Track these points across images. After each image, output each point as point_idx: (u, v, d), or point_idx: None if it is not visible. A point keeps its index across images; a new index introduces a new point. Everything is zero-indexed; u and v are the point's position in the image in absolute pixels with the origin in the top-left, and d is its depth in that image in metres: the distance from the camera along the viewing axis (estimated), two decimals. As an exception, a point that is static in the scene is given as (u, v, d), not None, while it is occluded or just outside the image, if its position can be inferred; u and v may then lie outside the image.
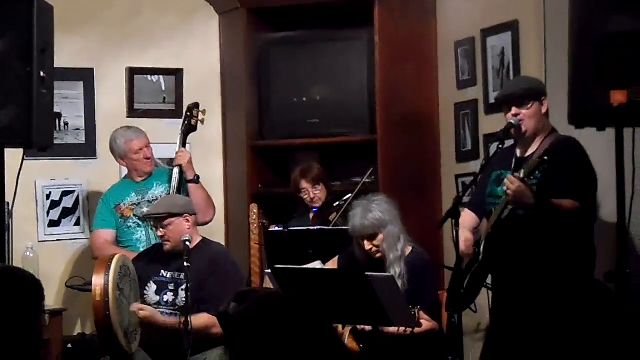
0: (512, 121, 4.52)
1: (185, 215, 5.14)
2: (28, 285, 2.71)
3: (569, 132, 4.44)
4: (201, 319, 4.90)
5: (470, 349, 5.16)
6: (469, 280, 4.48)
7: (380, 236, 4.81)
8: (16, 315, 2.63)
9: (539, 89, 4.60)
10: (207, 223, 5.80)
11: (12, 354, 2.62)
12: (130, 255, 5.30)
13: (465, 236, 4.58)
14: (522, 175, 4.24)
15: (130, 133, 5.89)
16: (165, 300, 5.11)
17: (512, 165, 4.58)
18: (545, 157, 4.22)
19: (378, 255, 4.83)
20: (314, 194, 5.78)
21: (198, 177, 5.76)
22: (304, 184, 5.79)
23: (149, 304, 5.09)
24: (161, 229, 5.11)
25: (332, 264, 5.09)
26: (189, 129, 5.88)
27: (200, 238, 5.26)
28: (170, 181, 5.79)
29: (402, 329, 4.51)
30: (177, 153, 5.81)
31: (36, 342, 2.70)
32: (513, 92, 4.60)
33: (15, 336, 2.62)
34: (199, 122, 5.89)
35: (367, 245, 4.82)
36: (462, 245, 4.47)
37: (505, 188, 4.29)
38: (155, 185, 5.89)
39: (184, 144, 5.86)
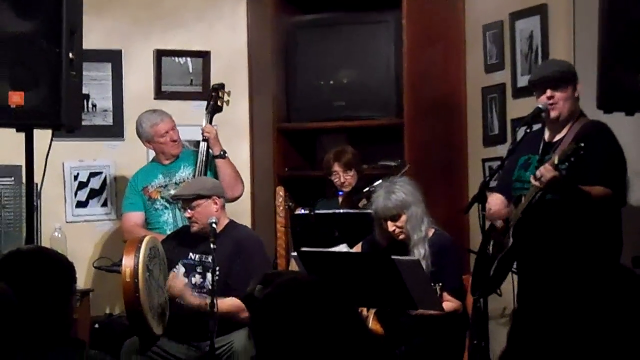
0: (541, 105, 4.47)
1: (214, 197, 5.15)
2: (61, 266, 2.75)
3: (597, 116, 4.41)
4: (228, 303, 4.92)
5: (496, 333, 5.16)
6: (497, 264, 4.46)
7: (404, 217, 4.81)
8: (48, 295, 2.66)
9: (573, 72, 4.54)
10: (236, 199, 5.81)
11: (43, 333, 2.65)
12: (159, 238, 5.33)
13: (495, 198, 4.52)
14: (555, 161, 4.19)
15: (156, 116, 5.90)
16: (193, 282, 5.13)
17: (540, 150, 4.55)
18: (582, 144, 4.15)
19: (401, 236, 4.83)
20: (344, 178, 5.78)
21: (225, 152, 5.76)
22: (336, 167, 5.80)
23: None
24: (189, 210, 5.12)
25: (357, 249, 5.10)
26: (214, 109, 5.88)
27: (228, 220, 5.27)
28: (197, 156, 5.80)
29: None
30: (203, 129, 5.81)
31: (67, 323, 2.73)
32: (549, 74, 4.52)
33: (47, 316, 2.65)
34: (224, 103, 5.90)
35: (391, 227, 4.82)
36: (493, 207, 4.41)
37: (539, 175, 4.24)
38: (182, 167, 5.91)
39: (210, 123, 5.86)
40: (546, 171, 4.21)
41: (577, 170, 4.29)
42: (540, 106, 4.48)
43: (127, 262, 4.83)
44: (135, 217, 5.89)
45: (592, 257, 4.27)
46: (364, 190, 5.53)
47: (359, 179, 5.80)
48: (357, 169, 5.83)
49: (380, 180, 5.20)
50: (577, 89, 4.48)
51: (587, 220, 4.34)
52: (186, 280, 5.11)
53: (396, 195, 4.81)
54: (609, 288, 1.64)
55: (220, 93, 5.89)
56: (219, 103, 5.88)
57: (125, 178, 6.20)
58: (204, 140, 5.77)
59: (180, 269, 5.16)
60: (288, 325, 1.99)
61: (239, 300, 4.87)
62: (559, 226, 4.39)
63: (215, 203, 5.15)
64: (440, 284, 4.61)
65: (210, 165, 5.77)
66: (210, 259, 4.96)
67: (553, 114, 4.46)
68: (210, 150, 5.76)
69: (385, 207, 4.82)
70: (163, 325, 5.00)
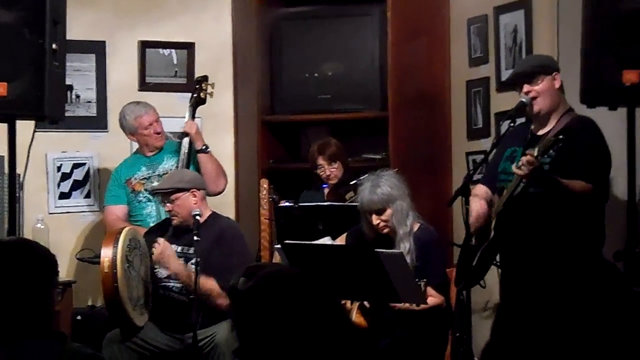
0: (524, 99, 4.50)
1: (192, 190, 5.14)
2: (42, 258, 2.73)
3: (580, 111, 4.43)
4: (209, 283, 4.93)
5: (478, 326, 5.17)
6: (480, 256, 4.48)
7: (389, 211, 4.81)
8: (30, 287, 2.65)
9: (548, 65, 4.57)
10: (219, 193, 5.81)
11: (24, 326, 2.64)
12: (140, 230, 5.32)
13: (477, 209, 4.55)
14: (535, 154, 4.22)
15: (140, 108, 5.89)
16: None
17: (526, 143, 4.56)
18: (561, 136, 4.19)
19: (386, 230, 4.83)
20: (330, 171, 5.78)
21: (207, 146, 5.75)
22: (321, 161, 5.79)
23: (159, 278, 5.12)
24: (168, 204, 5.12)
25: (341, 241, 5.10)
26: (197, 101, 5.87)
27: (210, 212, 5.27)
28: (180, 151, 5.79)
29: (408, 304, 4.53)
30: (185, 124, 5.80)
31: (48, 315, 2.72)
32: (521, 70, 4.58)
33: (28, 309, 2.64)
34: (207, 95, 5.89)
35: (375, 220, 4.82)
36: (472, 219, 4.44)
37: (520, 164, 4.26)
38: (165, 159, 5.90)
39: (192, 117, 5.85)
40: (527, 160, 4.22)
41: (561, 163, 4.31)
42: (523, 100, 4.51)
43: (105, 253, 4.83)
44: (117, 210, 5.88)
45: (574, 250, 4.28)
46: (351, 183, 5.54)
47: (345, 171, 5.80)
48: (342, 160, 5.82)
49: (367, 174, 5.21)
50: (557, 80, 4.50)
51: (569, 214, 4.36)
52: (174, 247, 5.10)
53: (382, 189, 4.81)
54: (590, 282, 1.65)
55: (203, 85, 5.88)
56: (202, 95, 5.87)
57: (109, 169, 6.18)
58: (186, 135, 5.77)
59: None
60: (271, 318, 1.99)
61: (217, 284, 4.88)
62: (541, 219, 4.40)
63: (194, 195, 5.14)
64: (425, 280, 4.62)
65: (193, 160, 5.76)
66: (192, 250, 4.97)
67: (535, 108, 4.49)
68: (192, 145, 5.75)
69: (370, 201, 4.82)
70: (145, 316, 5.00)
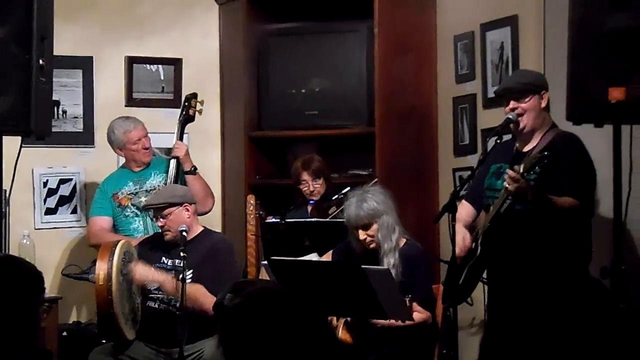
0: (511, 116, 4.52)
1: (185, 204, 5.14)
2: (29, 275, 2.72)
3: (566, 128, 4.44)
4: (195, 288, 4.91)
5: (465, 343, 5.17)
6: (467, 273, 4.49)
7: (375, 226, 4.82)
8: (15, 305, 2.64)
9: (538, 83, 4.58)
10: (206, 213, 5.81)
11: (10, 343, 2.62)
12: (131, 242, 5.31)
13: (462, 236, 4.57)
14: (521, 170, 4.23)
15: (128, 123, 5.89)
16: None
17: (511, 160, 4.57)
18: (546, 153, 4.21)
19: (372, 245, 4.84)
20: (313, 187, 5.78)
21: (195, 168, 5.76)
22: (305, 176, 5.79)
23: (150, 290, 5.10)
24: (161, 219, 5.11)
25: (327, 258, 5.10)
26: (186, 119, 5.88)
27: (202, 228, 5.26)
28: (168, 171, 5.79)
29: (392, 321, 4.53)
30: (174, 145, 5.80)
31: (34, 333, 2.71)
32: (511, 85, 4.60)
33: (14, 326, 2.63)
34: (196, 113, 5.89)
35: (362, 235, 4.83)
36: (458, 247, 4.46)
37: (505, 183, 4.28)
38: (153, 175, 5.90)
39: (181, 134, 5.86)
40: (510, 178, 4.23)
41: (547, 179, 4.32)
42: (510, 117, 4.52)
43: (101, 266, 4.83)
44: (102, 222, 5.86)
45: (560, 267, 4.29)
46: (333, 198, 5.54)
47: (328, 187, 5.80)
48: (326, 176, 5.82)
49: (348, 188, 5.21)
50: (545, 99, 4.52)
51: (555, 231, 4.37)
52: (149, 266, 5.08)
53: (368, 204, 4.82)
54: (577, 299, 1.65)
55: (192, 102, 5.88)
56: (190, 112, 5.87)
57: (96, 185, 6.17)
58: (174, 157, 5.76)
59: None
60: (256, 336, 1.99)
61: (207, 292, 4.86)
62: (527, 236, 4.41)
63: (187, 210, 5.14)
64: (410, 296, 4.62)
65: (181, 180, 5.75)
66: (182, 263, 4.96)
67: (520, 125, 4.51)
68: (180, 166, 5.75)
69: (357, 216, 4.82)
70: (135, 330, 4.99)
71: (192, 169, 5.75)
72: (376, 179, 5.60)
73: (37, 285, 2.73)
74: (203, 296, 4.89)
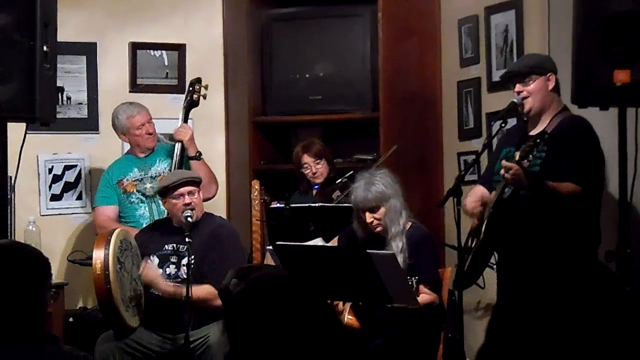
0: (515, 100, 4.50)
1: (199, 188, 5.19)
2: (36, 262, 2.72)
3: (572, 111, 4.43)
4: (203, 290, 4.91)
5: (470, 327, 5.18)
6: (472, 258, 4.48)
7: (382, 209, 4.81)
8: (23, 291, 2.64)
9: (542, 65, 4.55)
10: (209, 199, 5.81)
11: (16, 329, 2.63)
12: (133, 232, 5.31)
13: (473, 195, 4.55)
14: (517, 158, 4.23)
15: (132, 109, 5.89)
16: (167, 273, 5.11)
17: (517, 143, 4.56)
18: (538, 140, 4.19)
19: (379, 229, 4.83)
20: (315, 168, 5.78)
21: (200, 153, 5.76)
22: (306, 159, 5.80)
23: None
24: (188, 196, 5.08)
25: (334, 243, 5.09)
26: (190, 104, 5.88)
27: (204, 212, 5.26)
28: (172, 158, 5.79)
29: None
30: (178, 129, 5.80)
31: (41, 319, 2.71)
32: (515, 69, 4.59)
33: (21, 312, 2.64)
34: (201, 97, 5.89)
35: (369, 218, 4.82)
36: (467, 204, 4.44)
37: (502, 172, 4.28)
38: (158, 161, 5.90)
39: (186, 119, 5.86)
40: (506, 166, 4.23)
41: (552, 164, 4.31)
42: (514, 100, 4.51)
43: (97, 255, 4.83)
44: (108, 211, 5.87)
45: (565, 252, 4.28)
46: (337, 182, 5.54)
47: (332, 171, 5.80)
48: (327, 158, 5.83)
49: (352, 172, 5.21)
50: (551, 81, 4.50)
51: (559, 216, 4.36)
52: (160, 270, 5.09)
53: (376, 187, 4.81)
54: (583, 283, 1.65)
55: (197, 87, 5.88)
56: (195, 97, 5.87)
57: (100, 171, 6.17)
58: (178, 140, 5.76)
59: (154, 260, 5.14)
60: (262, 321, 1.99)
61: (213, 288, 4.86)
62: (531, 221, 4.40)
63: (200, 193, 5.19)
64: (417, 278, 4.62)
65: (185, 165, 5.75)
66: (184, 248, 4.96)
67: (525, 107, 4.49)
68: (185, 151, 5.75)
69: (364, 199, 4.81)
70: (138, 317, 5.00)
71: (197, 154, 5.75)
72: (396, 146, 5.53)
73: (44, 272, 2.74)
74: (213, 298, 4.82)
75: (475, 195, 4.61)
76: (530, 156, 4.20)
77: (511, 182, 4.27)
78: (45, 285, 2.73)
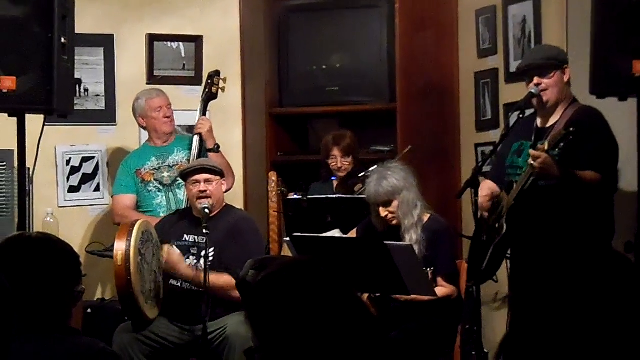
0: (533, 90, 4.50)
1: (221, 180, 5.20)
2: (67, 256, 2.72)
3: (590, 101, 4.42)
4: (221, 279, 4.93)
5: (488, 318, 5.17)
6: (493, 251, 4.47)
7: (395, 203, 4.82)
8: (52, 284, 2.64)
9: (560, 58, 4.56)
10: (226, 191, 5.81)
11: (42, 321, 2.64)
12: (150, 220, 5.32)
13: (483, 188, 4.54)
14: (546, 147, 4.21)
15: (152, 92, 6.01)
16: (187, 264, 5.12)
17: (533, 136, 4.55)
18: (572, 129, 4.17)
19: (394, 222, 4.84)
20: (342, 163, 5.78)
21: (218, 146, 5.77)
22: (335, 151, 5.79)
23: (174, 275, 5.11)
24: (204, 184, 5.09)
25: (352, 235, 5.10)
26: (209, 96, 5.89)
27: (224, 204, 5.27)
28: (190, 149, 5.80)
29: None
30: (197, 121, 5.81)
31: (67, 312, 2.72)
32: (534, 62, 4.57)
33: (48, 305, 2.64)
34: (219, 90, 5.90)
35: (383, 212, 4.84)
36: (480, 198, 4.44)
37: (530, 160, 4.25)
38: (175, 150, 5.92)
39: (204, 112, 5.87)
40: (536, 155, 4.21)
41: (570, 155, 4.30)
42: (532, 91, 4.50)
43: (119, 246, 4.84)
44: (126, 200, 5.89)
45: (585, 243, 4.27)
46: (360, 175, 5.53)
47: (355, 165, 5.79)
48: (355, 155, 5.82)
49: (375, 166, 5.21)
50: (567, 74, 4.50)
51: (579, 206, 4.35)
52: (182, 256, 5.10)
53: (387, 181, 4.82)
54: (602, 274, 1.65)
55: (215, 80, 5.89)
56: (213, 90, 5.88)
57: (118, 162, 6.18)
58: (197, 133, 5.77)
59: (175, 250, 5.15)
60: (284, 309, 1.97)
61: (232, 279, 4.86)
62: (552, 212, 4.39)
63: (222, 184, 5.19)
64: (433, 268, 4.62)
65: (202, 157, 5.75)
66: (204, 240, 4.97)
67: (544, 99, 4.49)
68: (203, 143, 5.76)
69: (376, 193, 4.83)
70: (157, 309, 5.01)
71: (215, 146, 5.76)
72: (410, 147, 5.54)
73: (74, 266, 2.74)
74: (231, 289, 4.80)
75: (485, 189, 4.60)
76: (561, 145, 4.18)
77: (539, 171, 4.24)
78: (74, 280, 2.73)
